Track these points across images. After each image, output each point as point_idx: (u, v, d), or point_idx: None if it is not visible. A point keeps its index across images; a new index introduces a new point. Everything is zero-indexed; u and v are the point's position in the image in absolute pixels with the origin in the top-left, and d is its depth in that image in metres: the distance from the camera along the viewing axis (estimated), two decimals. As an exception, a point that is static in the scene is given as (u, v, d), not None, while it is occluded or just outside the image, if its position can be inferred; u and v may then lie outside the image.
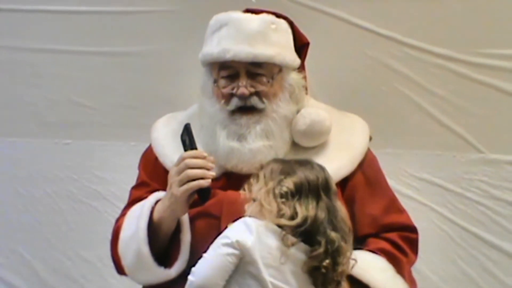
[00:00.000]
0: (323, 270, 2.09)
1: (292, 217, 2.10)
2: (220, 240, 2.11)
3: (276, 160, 2.22)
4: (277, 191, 2.12)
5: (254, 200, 2.15)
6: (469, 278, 3.01)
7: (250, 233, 2.09)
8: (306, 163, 2.19)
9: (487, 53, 2.96)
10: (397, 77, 2.99)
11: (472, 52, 2.97)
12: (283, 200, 2.11)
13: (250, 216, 2.13)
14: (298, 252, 2.10)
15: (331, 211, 2.13)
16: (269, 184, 2.14)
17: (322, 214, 2.11)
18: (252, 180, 2.18)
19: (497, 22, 2.95)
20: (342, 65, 2.98)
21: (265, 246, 2.09)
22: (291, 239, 2.09)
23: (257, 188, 2.16)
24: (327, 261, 2.09)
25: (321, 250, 2.09)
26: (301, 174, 2.14)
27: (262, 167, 2.20)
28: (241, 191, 2.20)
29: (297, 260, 2.11)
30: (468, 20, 2.96)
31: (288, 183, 2.13)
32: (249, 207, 2.16)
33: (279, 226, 2.10)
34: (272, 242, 2.10)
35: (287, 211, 2.10)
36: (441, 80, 2.98)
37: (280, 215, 2.10)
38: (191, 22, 2.97)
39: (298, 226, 2.10)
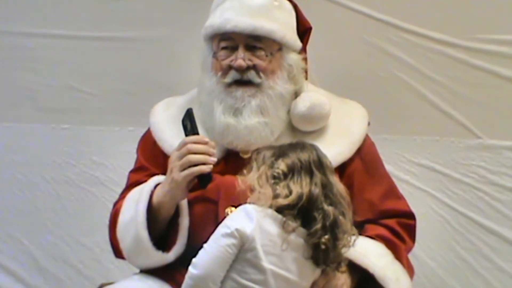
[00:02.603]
0: (323, 247, 2.09)
1: (287, 196, 2.10)
2: (220, 230, 2.10)
3: (268, 147, 2.23)
4: (269, 174, 2.13)
5: (251, 189, 2.15)
6: (467, 263, 3.02)
7: (250, 220, 2.09)
8: (297, 144, 2.20)
9: (485, 39, 2.97)
10: (395, 62, 3.00)
11: (471, 37, 2.97)
12: (276, 181, 2.12)
13: (250, 203, 2.14)
14: (298, 238, 2.11)
15: (327, 186, 2.14)
16: (261, 168, 2.15)
17: (316, 190, 2.12)
18: (245, 171, 2.18)
19: (496, 8, 2.96)
20: (340, 51, 2.98)
21: (265, 233, 2.09)
22: (292, 224, 2.09)
23: (251, 176, 2.16)
24: (326, 236, 2.09)
25: (318, 225, 2.10)
26: (293, 155, 2.15)
27: (255, 158, 2.19)
28: (237, 176, 2.21)
29: (298, 246, 2.11)
30: (467, 6, 2.96)
31: (280, 165, 2.13)
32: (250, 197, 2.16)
33: (278, 210, 2.10)
34: (273, 229, 2.10)
35: (281, 191, 2.11)
36: (439, 66, 2.99)
37: (275, 196, 2.11)
38: (188, 7, 2.99)
39: (295, 204, 2.10)
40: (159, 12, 3.05)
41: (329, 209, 2.11)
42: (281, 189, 2.11)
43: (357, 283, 2.31)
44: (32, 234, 3.14)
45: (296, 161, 2.14)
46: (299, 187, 2.11)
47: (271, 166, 2.14)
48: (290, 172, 2.13)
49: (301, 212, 2.10)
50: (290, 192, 2.10)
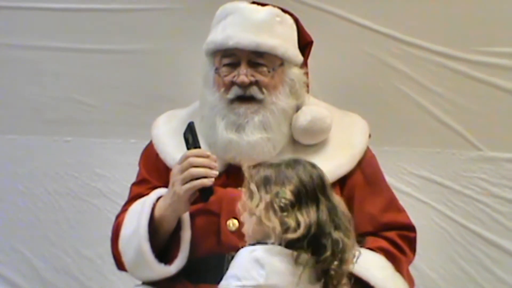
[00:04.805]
0: (332, 272, 2.06)
1: (296, 230, 2.04)
2: (231, 281, 2.04)
3: (264, 166, 2.13)
4: (276, 206, 2.05)
5: (251, 214, 2.08)
6: (468, 275, 3.02)
7: (261, 267, 2.03)
8: (297, 164, 2.12)
9: (485, 51, 2.97)
10: (396, 74, 3.00)
11: (471, 50, 2.98)
12: (285, 213, 2.06)
13: (252, 240, 2.07)
14: (309, 268, 2.07)
15: (331, 210, 2.09)
16: (265, 198, 2.07)
17: (323, 216, 2.07)
18: (244, 195, 2.11)
19: (495, 21, 2.96)
20: (341, 63, 2.99)
21: (278, 275, 2.03)
22: (304, 258, 2.05)
23: (254, 204, 2.08)
24: (336, 262, 2.06)
25: (328, 253, 2.05)
26: (296, 180, 2.09)
27: (251, 175, 2.10)
28: (241, 189, 2.16)
29: (308, 276, 2.07)
30: (466, 19, 2.97)
31: (286, 194, 2.06)
32: (247, 223, 2.09)
33: (289, 245, 2.05)
34: (285, 267, 2.04)
35: (290, 223, 2.04)
36: (439, 78, 2.99)
37: (284, 230, 2.04)
38: (191, 20, 2.99)
39: (305, 235, 2.04)
40: (161, 26, 3.06)
41: (336, 235, 2.06)
42: (289, 220, 2.05)
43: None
44: (34, 246, 3.14)
45: (301, 188, 2.07)
46: (307, 216, 2.05)
47: (276, 195, 2.07)
48: (297, 201, 2.06)
49: (310, 242, 2.05)
50: (299, 225, 2.04)
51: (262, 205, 2.06)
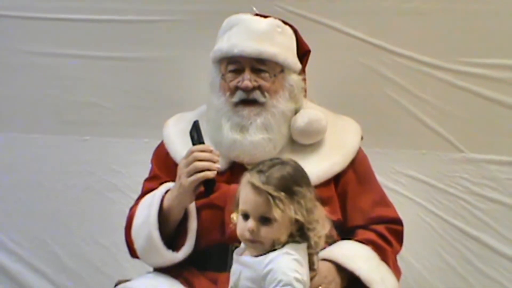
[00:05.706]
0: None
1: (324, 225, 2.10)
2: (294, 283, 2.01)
3: (270, 169, 2.09)
4: (309, 205, 2.07)
5: (271, 219, 2.04)
6: (450, 266, 3.08)
7: (301, 265, 2.05)
8: (292, 166, 2.11)
9: (468, 62, 3.02)
10: (386, 83, 3.06)
11: (455, 60, 3.03)
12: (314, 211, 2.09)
13: (269, 246, 2.07)
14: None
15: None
16: (298, 205, 2.05)
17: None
18: (262, 200, 2.04)
19: (477, 34, 3.01)
20: (336, 71, 3.04)
21: (306, 270, 2.09)
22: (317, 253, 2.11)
23: (284, 211, 2.03)
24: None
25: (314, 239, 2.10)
26: (306, 178, 2.11)
27: (256, 187, 2.05)
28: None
29: None
30: (451, 32, 3.02)
31: (306, 193, 2.08)
32: (269, 231, 2.04)
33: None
34: (306, 262, 2.09)
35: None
36: (426, 86, 3.05)
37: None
38: (197, 31, 3.07)
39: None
40: (169, 35, 3.12)
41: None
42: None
43: (347, 283, 2.41)
44: (56, 236, 3.24)
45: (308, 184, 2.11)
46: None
47: (303, 197, 2.07)
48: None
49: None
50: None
51: (302, 211, 2.06)
